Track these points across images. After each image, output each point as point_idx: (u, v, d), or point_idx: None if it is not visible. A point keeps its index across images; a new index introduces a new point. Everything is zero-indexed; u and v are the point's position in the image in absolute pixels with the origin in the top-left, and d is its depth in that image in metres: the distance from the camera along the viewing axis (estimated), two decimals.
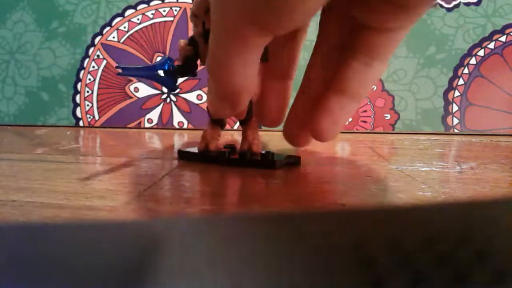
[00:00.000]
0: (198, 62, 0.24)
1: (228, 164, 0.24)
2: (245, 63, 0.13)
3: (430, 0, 0.12)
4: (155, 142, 0.37)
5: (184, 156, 0.26)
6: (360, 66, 0.15)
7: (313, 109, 0.16)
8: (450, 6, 0.46)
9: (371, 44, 0.14)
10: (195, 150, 0.26)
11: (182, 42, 0.24)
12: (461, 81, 0.47)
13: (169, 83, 0.24)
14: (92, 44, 0.53)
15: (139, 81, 0.51)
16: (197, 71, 0.25)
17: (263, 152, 0.24)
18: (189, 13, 0.51)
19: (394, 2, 0.12)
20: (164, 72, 0.23)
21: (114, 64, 0.52)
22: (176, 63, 0.24)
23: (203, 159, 0.25)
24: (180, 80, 0.25)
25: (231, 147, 0.26)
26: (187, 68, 0.24)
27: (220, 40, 0.13)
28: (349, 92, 0.15)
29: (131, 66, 0.24)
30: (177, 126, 0.51)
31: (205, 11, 0.21)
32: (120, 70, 0.24)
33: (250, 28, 0.12)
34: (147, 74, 0.24)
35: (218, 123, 0.25)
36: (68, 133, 0.44)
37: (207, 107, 0.26)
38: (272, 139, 0.36)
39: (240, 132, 0.26)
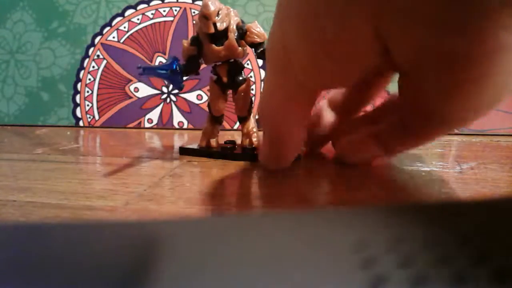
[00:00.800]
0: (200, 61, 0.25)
1: (231, 159, 0.24)
2: (304, 116, 0.17)
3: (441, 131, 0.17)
4: (155, 142, 0.37)
5: (186, 152, 0.26)
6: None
7: (350, 137, 0.21)
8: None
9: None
10: (196, 147, 0.26)
11: (185, 42, 0.24)
12: None
13: (178, 82, 0.24)
14: (92, 44, 0.53)
15: (139, 80, 0.51)
16: (199, 70, 0.25)
17: None
18: (189, 13, 0.51)
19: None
20: (171, 72, 0.24)
21: (114, 64, 0.52)
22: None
23: (206, 155, 0.25)
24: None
25: (232, 142, 0.26)
26: (191, 67, 0.24)
27: (279, 97, 0.17)
28: (384, 144, 0.19)
29: (150, 66, 0.25)
30: (177, 126, 0.51)
31: (217, 13, 0.22)
32: (141, 70, 0.24)
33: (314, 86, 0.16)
34: (164, 74, 0.24)
35: (217, 120, 0.26)
36: (68, 133, 0.44)
37: (208, 104, 0.26)
38: None
39: (239, 132, 0.26)
